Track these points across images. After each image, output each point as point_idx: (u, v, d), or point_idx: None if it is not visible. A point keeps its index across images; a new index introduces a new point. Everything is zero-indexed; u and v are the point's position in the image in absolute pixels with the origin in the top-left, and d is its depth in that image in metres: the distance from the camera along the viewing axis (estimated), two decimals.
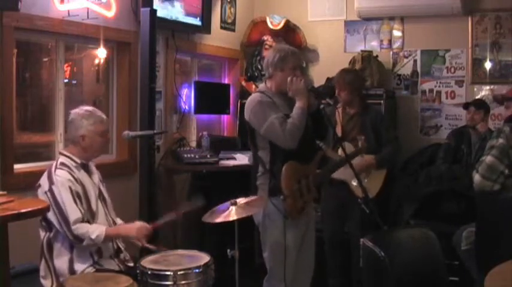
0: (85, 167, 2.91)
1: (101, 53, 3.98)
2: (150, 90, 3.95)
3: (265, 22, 5.57)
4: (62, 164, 2.80)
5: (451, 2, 4.90)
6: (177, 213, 2.99)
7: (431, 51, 5.24)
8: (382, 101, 4.82)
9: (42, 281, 2.76)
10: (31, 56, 3.78)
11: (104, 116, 2.96)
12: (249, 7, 5.77)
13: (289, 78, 3.00)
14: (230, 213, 2.65)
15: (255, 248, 4.25)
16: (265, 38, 5.60)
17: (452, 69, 5.19)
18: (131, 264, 2.90)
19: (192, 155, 4.58)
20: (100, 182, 2.99)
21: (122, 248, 2.98)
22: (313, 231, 3.27)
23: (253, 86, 5.23)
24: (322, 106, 3.20)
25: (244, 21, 5.65)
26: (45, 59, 3.87)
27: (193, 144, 5.02)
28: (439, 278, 2.46)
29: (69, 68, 4.01)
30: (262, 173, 3.06)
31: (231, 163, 4.70)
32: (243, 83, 5.53)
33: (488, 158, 3.22)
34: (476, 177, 3.24)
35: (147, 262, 2.66)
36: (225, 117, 5.60)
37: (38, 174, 2.89)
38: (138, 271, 2.62)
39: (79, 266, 2.74)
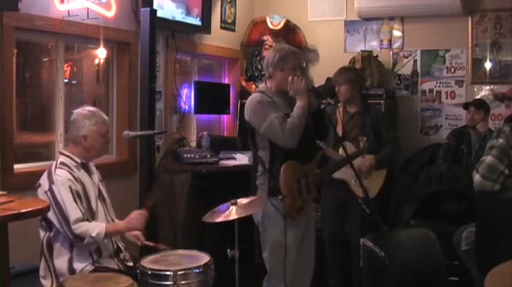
0: (85, 166, 2.91)
1: (101, 53, 3.98)
2: (150, 90, 3.95)
3: (265, 22, 5.57)
4: (62, 163, 2.80)
5: (451, 2, 4.90)
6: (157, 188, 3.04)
7: (431, 51, 5.24)
8: (382, 101, 4.82)
9: (42, 281, 2.76)
10: (31, 56, 3.78)
11: (106, 117, 2.97)
12: (249, 7, 5.77)
13: (290, 78, 3.00)
14: (230, 213, 2.65)
15: (255, 248, 4.25)
16: (265, 38, 5.59)
17: (452, 69, 5.19)
18: (131, 264, 2.90)
19: (192, 155, 4.58)
20: (100, 182, 2.99)
21: (122, 248, 2.98)
22: (313, 231, 3.27)
23: (253, 86, 5.23)
24: (322, 106, 3.20)
25: (244, 21, 5.65)
26: (45, 59, 3.87)
27: (193, 144, 5.02)
28: (439, 278, 2.46)
29: (69, 68, 4.01)
30: (262, 172, 3.06)
31: (231, 163, 4.69)
32: (243, 83, 5.53)
33: (488, 158, 3.22)
34: (476, 177, 3.24)
35: (147, 262, 2.66)
36: (225, 117, 5.60)
37: (38, 174, 2.89)
38: (138, 271, 2.62)
39: (78, 265, 2.74)
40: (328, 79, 4.88)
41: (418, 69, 5.29)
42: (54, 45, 3.78)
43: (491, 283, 1.98)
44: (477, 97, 4.96)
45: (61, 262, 2.74)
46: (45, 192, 2.72)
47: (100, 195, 2.94)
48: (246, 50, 5.66)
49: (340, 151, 3.53)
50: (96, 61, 4.22)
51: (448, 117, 5.21)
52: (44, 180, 2.77)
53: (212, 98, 5.21)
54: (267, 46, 5.53)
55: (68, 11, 3.58)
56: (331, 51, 5.50)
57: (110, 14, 3.93)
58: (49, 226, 2.75)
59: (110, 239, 2.88)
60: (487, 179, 3.20)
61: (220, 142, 5.03)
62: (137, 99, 4.19)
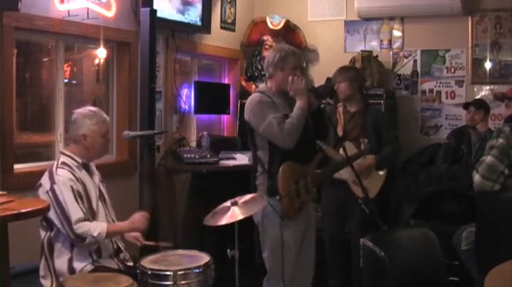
0: (86, 167, 2.91)
1: (101, 53, 3.98)
2: (150, 90, 3.95)
3: (265, 22, 5.57)
4: (63, 163, 2.80)
5: (451, 2, 4.90)
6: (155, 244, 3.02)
7: (431, 51, 5.24)
8: (382, 101, 4.82)
9: (42, 281, 2.76)
10: (31, 56, 3.78)
11: (107, 117, 2.97)
12: (249, 7, 5.77)
13: (290, 78, 3.00)
14: (234, 213, 2.63)
15: (255, 248, 4.25)
16: (265, 38, 5.59)
17: (452, 69, 5.19)
18: (131, 264, 2.90)
19: (192, 155, 4.58)
20: (100, 183, 2.99)
21: (122, 248, 2.98)
22: (313, 231, 3.27)
23: (253, 86, 5.24)
24: (322, 106, 3.20)
25: (244, 21, 5.65)
26: (45, 59, 3.86)
27: (193, 144, 5.02)
28: (439, 278, 2.46)
29: (69, 68, 4.01)
30: (261, 173, 3.06)
31: (231, 163, 4.69)
32: (243, 83, 5.53)
33: (488, 158, 3.22)
34: (476, 177, 3.24)
35: (147, 262, 2.66)
36: (225, 117, 5.60)
37: (38, 174, 2.89)
38: (138, 271, 2.62)
39: (78, 265, 2.74)
40: (328, 79, 4.88)
41: (418, 69, 5.30)
42: (54, 45, 3.78)
43: (491, 283, 1.98)
44: (477, 97, 4.96)
45: (61, 262, 2.74)
46: (47, 192, 2.72)
47: (101, 195, 2.94)
48: (246, 50, 5.66)
49: (341, 151, 3.53)
50: (96, 61, 4.22)
51: (448, 117, 5.21)
52: (45, 180, 2.76)
53: (212, 98, 5.21)
54: (267, 46, 5.53)
55: (68, 11, 3.58)
56: (331, 51, 5.50)
57: (110, 14, 3.93)
58: (50, 225, 2.75)
59: (110, 239, 2.88)
60: (487, 179, 3.20)
61: (220, 142, 5.03)
62: (137, 99, 4.19)
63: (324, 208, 4.10)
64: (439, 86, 5.24)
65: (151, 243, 2.99)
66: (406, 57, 5.33)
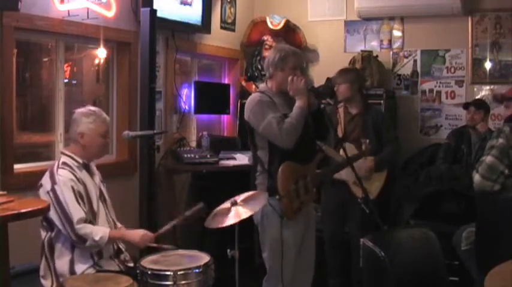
0: (87, 167, 2.90)
1: (101, 53, 3.98)
2: (150, 90, 3.95)
3: (265, 22, 5.57)
4: (64, 163, 2.80)
5: (451, 2, 4.90)
6: (178, 220, 2.99)
7: (431, 51, 5.24)
8: (382, 101, 4.82)
9: (42, 281, 2.76)
10: (31, 56, 3.78)
11: (106, 117, 2.95)
12: (249, 7, 5.77)
13: (289, 78, 3.00)
14: (237, 213, 2.60)
15: (255, 248, 4.25)
16: (265, 38, 5.60)
17: (452, 69, 5.19)
18: (131, 264, 2.90)
19: (192, 155, 4.58)
20: (101, 183, 2.99)
21: (123, 249, 2.98)
22: (313, 230, 3.27)
23: (253, 86, 5.23)
24: (322, 106, 3.20)
25: (244, 21, 5.65)
26: (45, 59, 3.86)
27: (193, 144, 5.02)
28: (439, 278, 2.46)
29: (69, 68, 4.01)
30: (261, 172, 3.07)
31: (231, 163, 4.69)
32: (243, 83, 5.53)
33: (488, 158, 3.22)
34: (476, 177, 3.24)
35: (147, 262, 2.66)
36: (225, 117, 5.60)
37: (38, 174, 2.89)
38: (138, 271, 2.62)
39: (79, 267, 2.73)
40: (328, 79, 4.88)
41: (418, 69, 5.29)
42: (54, 45, 3.78)
43: (491, 283, 1.98)
44: (477, 97, 4.96)
45: (62, 262, 2.73)
46: (48, 192, 2.72)
47: (101, 196, 2.94)
48: (246, 50, 5.66)
49: (341, 152, 3.53)
50: (96, 61, 4.22)
51: (448, 117, 5.21)
52: (46, 180, 2.76)
53: (212, 98, 5.21)
54: (267, 46, 5.53)
55: (68, 11, 3.58)
56: (331, 51, 5.50)
57: (110, 14, 3.93)
58: (50, 226, 2.75)
59: None
60: (487, 179, 3.20)
61: (220, 142, 5.04)
62: (137, 99, 4.19)
63: (323, 208, 4.10)
64: (439, 86, 5.24)
65: (154, 245, 2.98)
66: (406, 57, 5.33)
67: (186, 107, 4.97)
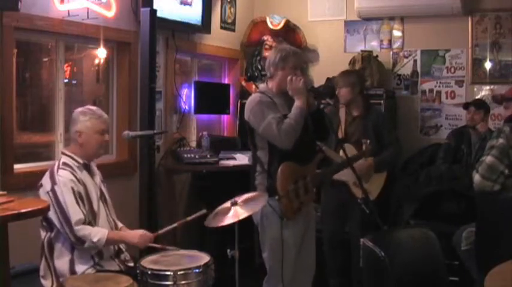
0: (87, 167, 2.90)
1: (101, 53, 3.98)
2: (150, 90, 3.95)
3: (265, 22, 5.57)
4: (65, 164, 2.79)
5: (451, 2, 4.90)
6: (179, 224, 2.99)
7: (431, 51, 5.24)
8: (382, 101, 4.82)
9: (42, 281, 2.76)
10: (31, 56, 3.78)
11: (104, 115, 2.94)
12: (249, 7, 5.77)
13: (288, 78, 3.00)
14: (236, 213, 2.61)
15: (255, 248, 4.25)
16: (265, 38, 5.60)
17: (452, 69, 5.19)
18: (131, 264, 2.90)
19: (192, 155, 4.58)
20: (101, 183, 2.99)
21: (123, 249, 2.98)
22: (313, 231, 3.27)
23: (253, 86, 5.23)
24: (322, 106, 3.20)
25: (244, 21, 5.65)
26: (45, 59, 3.86)
27: (193, 144, 5.02)
28: (439, 278, 2.46)
29: (69, 68, 4.01)
30: (260, 172, 3.06)
31: (231, 163, 4.70)
32: (243, 83, 5.53)
33: (488, 158, 3.22)
34: (476, 177, 3.23)
35: (147, 262, 2.66)
36: (225, 117, 5.60)
37: (38, 174, 2.89)
38: (138, 271, 2.62)
39: (80, 268, 2.73)
40: (328, 79, 4.89)
41: (418, 69, 5.29)
42: (54, 45, 3.78)
43: (491, 283, 1.98)
44: (477, 97, 4.96)
45: (62, 262, 2.73)
46: (47, 192, 2.71)
47: (102, 196, 2.94)
48: (246, 50, 5.66)
49: (341, 153, 3.53)
50: (96, 61, 4.22)
51: (448, 117, 5.21)
52: (46, 180, 2.76)
53: (212, 98, 5.21)
54: (267, 46, 5.53)
55: (68, 11, 3.58)
56: (331, 51, 5.50)
57: (110, 14, 3.93)
58: (50, 226, 2.75)
59: None
60: (487, 179, 3.20)
61: (220, 142, 5.04)
62: (137, 99, 4.19)
63: (323, 208, 4.10)
64: (439, 86, 5.24)
65: (157, 245, 2.97)
66: (406, 57, 5.33)
67: (186, 107, 4.97)
